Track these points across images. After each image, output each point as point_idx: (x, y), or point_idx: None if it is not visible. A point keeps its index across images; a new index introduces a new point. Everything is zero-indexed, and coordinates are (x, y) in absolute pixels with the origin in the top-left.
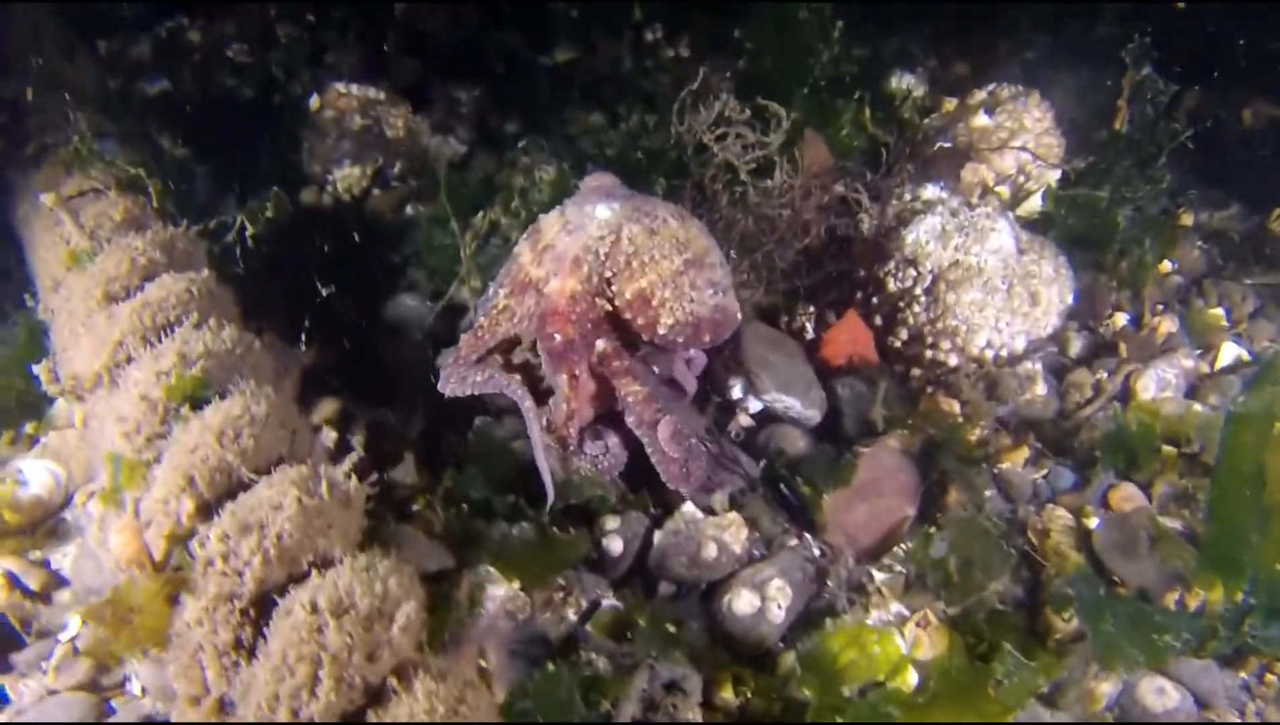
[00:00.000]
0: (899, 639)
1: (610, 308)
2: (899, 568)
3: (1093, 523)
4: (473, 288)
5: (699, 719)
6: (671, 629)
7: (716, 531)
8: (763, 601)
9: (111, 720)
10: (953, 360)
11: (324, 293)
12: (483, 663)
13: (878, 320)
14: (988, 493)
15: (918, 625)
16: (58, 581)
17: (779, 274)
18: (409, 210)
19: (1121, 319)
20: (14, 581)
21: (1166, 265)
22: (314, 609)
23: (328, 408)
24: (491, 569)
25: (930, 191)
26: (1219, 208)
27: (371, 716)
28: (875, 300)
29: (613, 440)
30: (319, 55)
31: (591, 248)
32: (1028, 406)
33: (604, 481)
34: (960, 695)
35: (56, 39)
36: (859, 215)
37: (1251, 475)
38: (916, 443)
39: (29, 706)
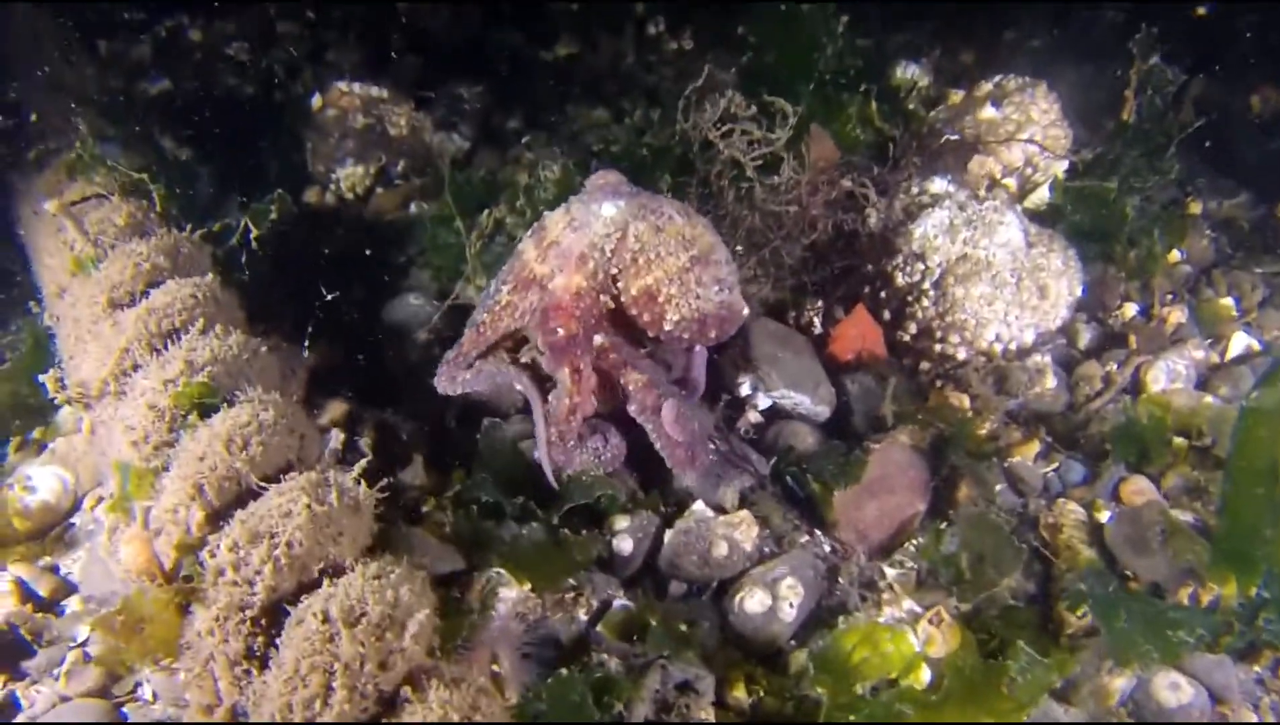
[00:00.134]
0: (912, 637)
1: (613, 305)
2: (910, 564)
3: (1104, 517)
4: (478, 287)
5: (712, 719)
6: (683, 629)
7: (727, 530)
8: (774, 600)
9: None
10: (961, 354)
11: (328, 296)
12: (495, 667)
13: (886, 315)
14: (998, 487)
15: (930, 623)
16: (67, 587)
17: (786, 270)
18: (413, 208)
19: (1131, 310)
20: (24, 588)
21: (1175, 255)
22: (326, 618)
23: (335, 409)
24: (502, 571)
25: (938, 185)
26: (1227, 196)
27: None
28: (883, 295)
29: (612, 433)
30: (320, 53)
31: (597, 245)
32: (1037, 400)
33: (614, 482)
34: (973, 693)
35: (57, 41)
36: (866, 210)
37: (1265, 470)
38: (926, 438)
39: (42, 713)
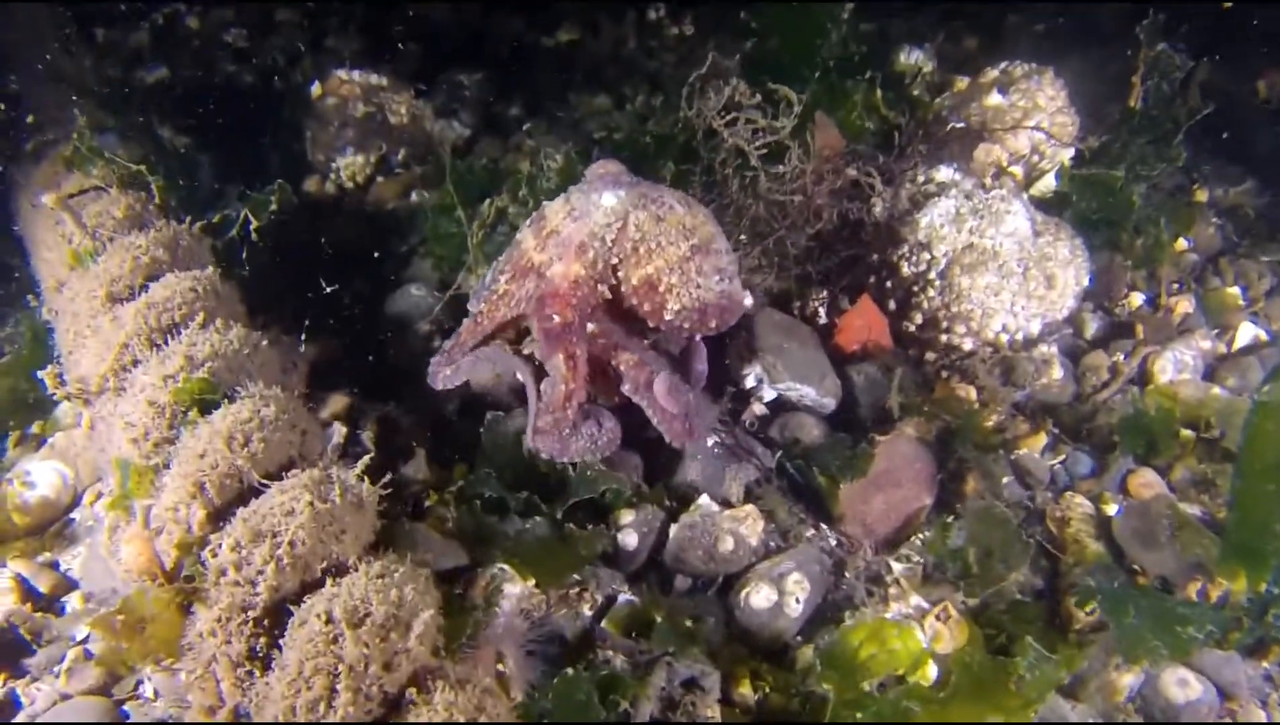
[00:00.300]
0: (919, 633)
1: (610, 295)
2: (916, 558)
3: (1112, 510)
4: (480, 277)
5: (718, 717)
6: (688, 625)
7: (733, 524)
8: (780, 595)
9: None
10: (967, 345)
11: (328, 288)
12: (500, 666)
13: (891, 305)
14: (1005, 480)
15: (938, 618)
16: (67, 584)
17: (791, 259)
18: (414, 197)
19: (1137, 299)
20: (24, 585)
21: (1182, 243)
22: (329, 619)
23: (336, 403)
24: (506, 567)
25: (944, 173)
26: (1234, 183)
27: None
28: (889, 285)
29: (606, 417)
30: (320, 41)
31: (598, 234)
32: (1044, 391)
33: (619, 476)
34: (981, 689)
35: (55, 31)
36: (871, 199)
37: (1276, 465)
38: (933, 430)
39: (42, 711)
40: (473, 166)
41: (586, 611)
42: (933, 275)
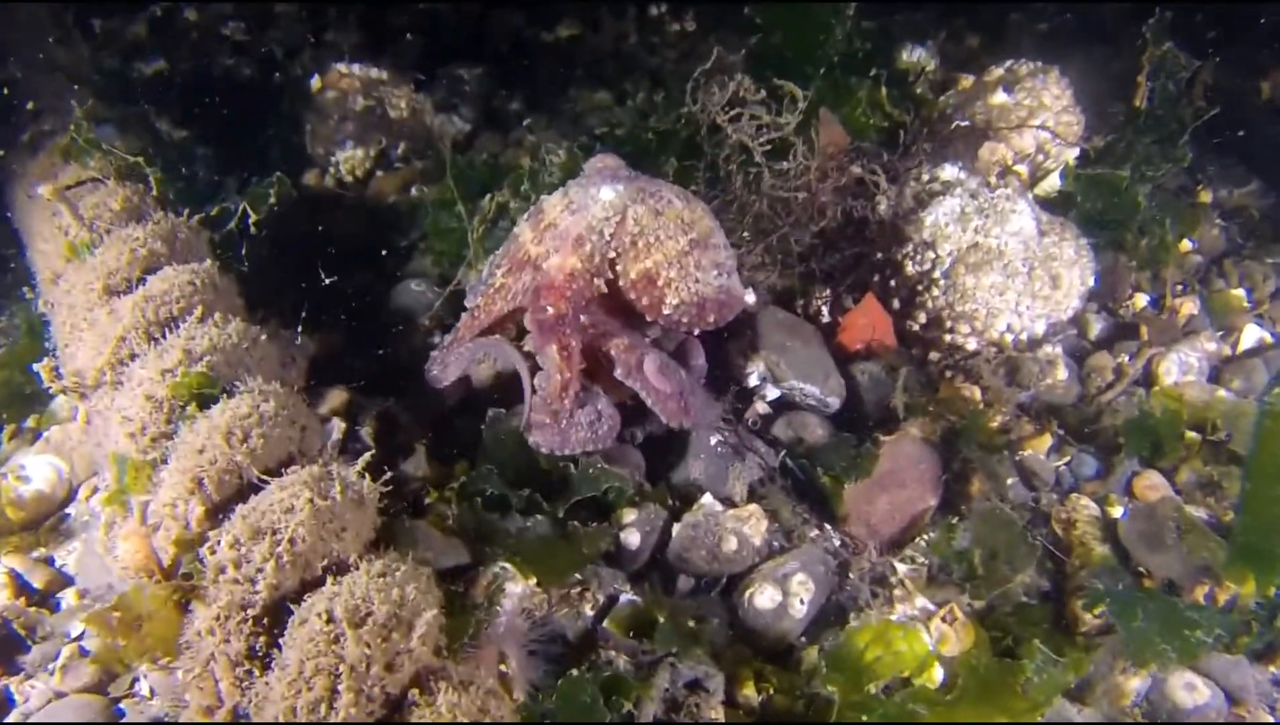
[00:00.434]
0: (925, 635)
1: (605, 289)
2: (921, 559)
3: (1117, 512)
4: (479, 272)
5: (722, 718)
6: (692, 625)
7: (736, 523)
8: (785, 596)
9: (121, 724)
10: (971, 344)
11: (327, 280)
12: (502, 666)
13: (895, 303)
14: (1010, 481)
15: (944, 620)
16: (62, 579)
17: (795, 257)
18: (413, 191)
19: (1142, 300)
20: (18, 580)
21: (1186, 244)
22: (330, 618)
23: (335, 398)
24: (508, 566)
25: (948, 172)
26: (1238, 184)
27: None
28: (893, 283)
29: (602, 401)
30: (319, 34)
31: (595, 228)
32: (1049, 392)
33: (621, 473)
34: (988, 693)
35: (53, 20)
36: (876, 197)
37: None
38: (937, 430)
39: (37, 709)
40: (473, 161)
41: (588, 611)
42: (937, 274)
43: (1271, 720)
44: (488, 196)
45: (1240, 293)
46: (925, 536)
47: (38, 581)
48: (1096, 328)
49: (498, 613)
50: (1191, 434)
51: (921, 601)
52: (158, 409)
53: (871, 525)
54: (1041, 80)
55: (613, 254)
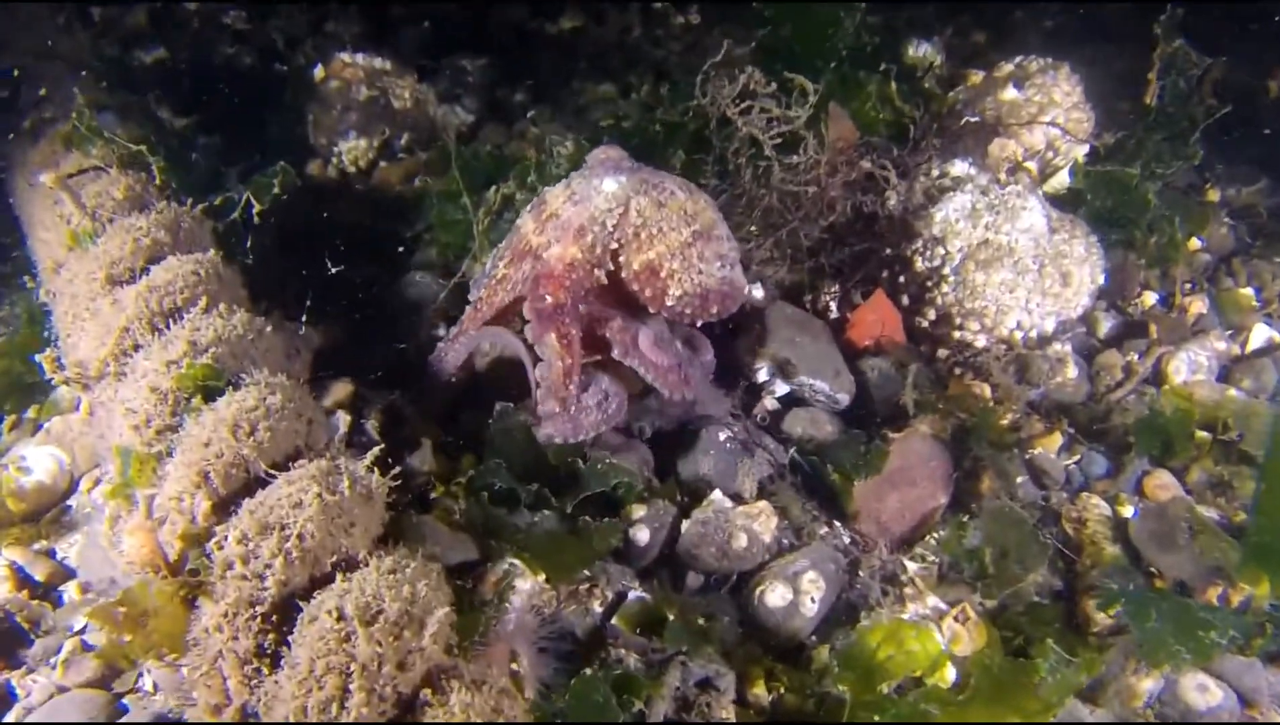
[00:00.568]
0: (937, 634)
1: (605, 281)
2: (932, 558)
3: (1128, 512)
4: (484, 266)
5: (733, 718)
6: (702, 623)
7: (746, 520)
8: (795, 594)
9: (124, 720)
10: (980, 341)
11: (333, 269)
12: (513, 665)
13: (904, 299)
14: (1020, 479)
15: (956, 619)
16: (64, 572)
17: (803, 252)
18: (418, 183)
19: (1150, 298)
20: (19, 573)
21: (1195, 243)
22: (341, 616)
23: (340, 391)
24: (518, 562)
25: (958, 168)
26: (1246, 183)
27: None
28: (902, 279)
29: (606, 381)
30: (321, 23)
31: (598, 218)
32: (1059, 390)
33: (630, 468)
34: (1001, 692)
35: (51, 10)
36: (886, 192)
37: None
38: (947, 428)
39: (39, 703)
40: (478, 152)
41: (597, 608)
42: (947, 270)
43: None
44: (493, 188)
45: (1249, 292)
46: (936, 535)
47: (39, 574)
48: (1105, 326)
49: (507, 609)
50: (1202, 433)
51: (933, 600)
52: (162, 401)
53: (882, 523)
54: (1052, 76)
55: (615, 245)
